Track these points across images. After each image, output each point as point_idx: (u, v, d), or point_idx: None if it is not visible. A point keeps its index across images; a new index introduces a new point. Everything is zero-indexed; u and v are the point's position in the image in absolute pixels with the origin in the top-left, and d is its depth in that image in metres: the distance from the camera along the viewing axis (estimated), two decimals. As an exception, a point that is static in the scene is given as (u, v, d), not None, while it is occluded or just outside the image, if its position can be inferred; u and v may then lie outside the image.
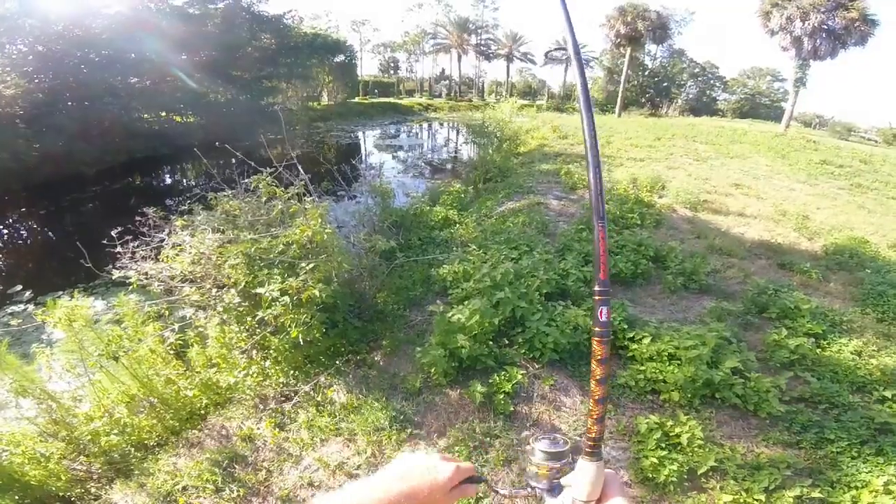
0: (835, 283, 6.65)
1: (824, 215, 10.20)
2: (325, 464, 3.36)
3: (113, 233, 3.82)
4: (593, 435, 0.83)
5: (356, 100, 43.14)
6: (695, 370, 3.75)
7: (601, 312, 0.83)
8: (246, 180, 4.35)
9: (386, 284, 5.69)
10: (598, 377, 0.85)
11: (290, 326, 3.66)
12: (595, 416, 0.84)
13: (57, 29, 15.87)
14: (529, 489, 0.84)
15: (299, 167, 4.61)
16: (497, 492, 0.86)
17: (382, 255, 5.70)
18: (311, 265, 3.67)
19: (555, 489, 0.82)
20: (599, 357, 0.84)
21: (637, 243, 6.69)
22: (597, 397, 0.85)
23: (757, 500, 2.87)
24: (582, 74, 0.92)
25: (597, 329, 0.84)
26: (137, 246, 4.00)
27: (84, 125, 15.46)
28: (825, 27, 23.77)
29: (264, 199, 4.34)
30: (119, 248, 3.91)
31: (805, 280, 6.65)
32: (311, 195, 4.52)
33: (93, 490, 3.41)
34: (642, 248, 6.57)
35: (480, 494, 2.91)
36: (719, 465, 3.16)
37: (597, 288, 0.84)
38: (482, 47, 59.52)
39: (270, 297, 3.55)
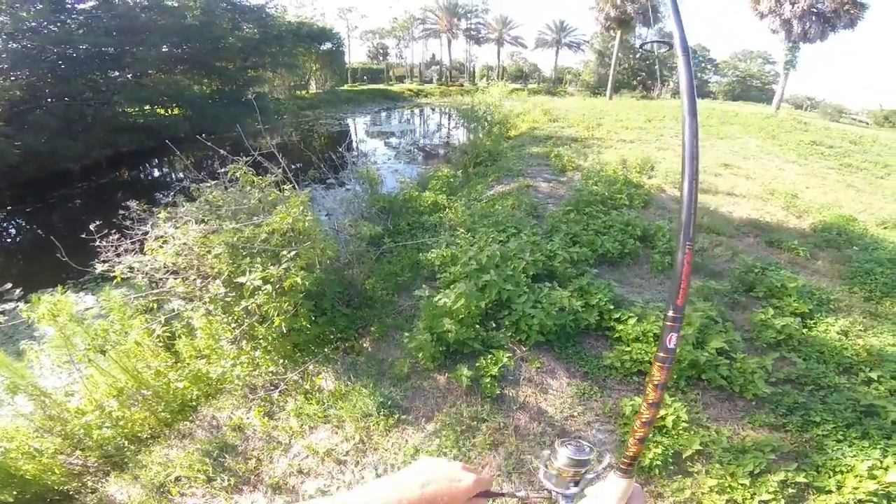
0: (822, 260, 6.69)
1: (813, 194, 10.23)
2: (313, 451, 3.38)
3: (91, 226, 3.76)
4: (631, 453, 0.84)
5: (345, 87, 42.73)
6: (680, 350, 3.76)
7: (670, 339, 0.81)
8: (223, 169, 4.30)
9: (374, 270, 5.68)
10: (650, 400, 0.84)
11: (273, 315, 3.64)
12: (638, 437, 0.85)
13: (30, 25, 15.62)
14: (546, 491, 0.84)
15: (278, 155, 4.56)
16: (515, 495, 0.85)
17: (371, 241, 5.67)
18: (292, 253, 3.64)
19: (571, 495, 0.83)
20: (657, 382, 0.83)
21: (625, 223, 6.69)
22: (645, 419, 0.85)
23: (741, 485, 2.88)
24: (689, 72, 0.85)
25: (661, 354, 0.82)
26: (119, 239, 3.95)
27: (66, 121, 15.29)
28: (814, 10, 23.77)
29: (247, 188, 4.30)
30: (99, 243, 3.86)
31: (793, 258, 6.69)
32: (290, 183, 4.47)
33: (89, 483, 3.44)
34: (630, 228, 6.57)
35: None
36: (704, 448, 3.18)
37: (670, 313, 0.82)
38: (472, 32, 58.93)
39: (252, 287, 3.53)
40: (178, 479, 3.28)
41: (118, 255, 3.99)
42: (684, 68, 0.86)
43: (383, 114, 35.18)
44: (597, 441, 3.38)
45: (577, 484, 0.83)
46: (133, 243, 4.09)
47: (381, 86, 47.92)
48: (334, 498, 0.67)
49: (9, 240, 11.77)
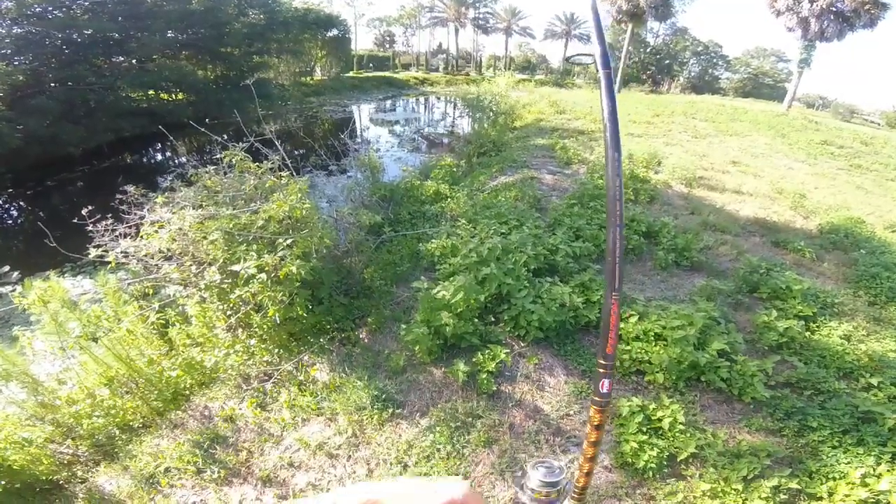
0: (828, 262, 6.59)
1: (821, 194, 10.09)
2: (305, 444, 3.34)
3: (84, 211, 3.70)
4: (581, 484, 0.94)
5: (350, 74, 42.40)
6: (681, 351, 3.69)
7: (602, 384, 0.89)
8: (219, 155, 4.22)
9: (373, 260, 5.61)
10: (591, 440, 0.94)
11: (267, 304, 3.58)
12: (584, 471, 0.94)
13: (35, 10, 15.55)
14: None
15: (276, 142, 4.48)
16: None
17: (371, 229, 5.60)
18: (289, 241, 3.57)
19: None
20: (596, 423, 0.92)
21: (629, 219, 6.61)
22: (588, 456, 0.94)
23: (734, 490, 2.84)
24: (611, 95, 0.82)
25: (596, 398, 0.91)
26: (112, 224, 3.88)
27: (69, 106, 15.18)
28: (833, 9, 23.36)
29: (244, 174, 4.23)
30: (91, 227, 3.79)
31: (798, 259, 6.59)
32: (288, 170, 4.40)
33: (79, 473, 3.40)
34: (634, 224, 6.49)
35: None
36: (700, 451, 3.13)
37: (601, 361, 0.88)
38: (480, 21, 58.37)
39: (246, 275, 3.47)
40: (167, 470, 3.24)
41: (114, 239, 3.93)
42: (605, 89, 0.80)
43: (388, 101, 34.95)
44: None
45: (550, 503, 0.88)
46: (129, 228, 4.03)
47: (386, 73, 47.52)
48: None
49: (10, 222, 11.77)
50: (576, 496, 0.92)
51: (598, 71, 0.86)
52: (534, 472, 0.86)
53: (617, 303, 0.82)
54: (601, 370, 0.88)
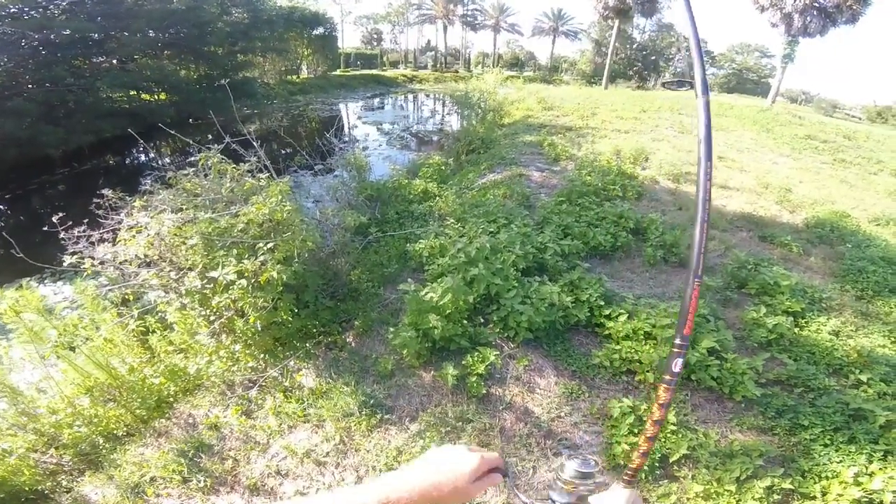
0: (815, 256, 6.63)
1: (807, 189, 10.17)
2: (292, 451, 3.27)
3: (55, 218, 3.57)
4: (635, 465, 0.95)
5: (338, 72, 42.15)
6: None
7: (675, 363, 0.91)
8: (194, 157, 4.11)
9: (360, 261, 5.53)
10: (655, 418, 0.94)
11: (249, 311, 3.49)
12: (641, 451, 0.94)
13: (10, 11, 15.27)
14: (551, 501, 0.89)
15: (255, 143, 4.38)
16: (517, 495, 0.90)
17: (357, 230, 5.51)
18: (269, 245, 3.48)
19: None
20: (662, 401, 0.93)
21: (618, 215, 6.58)
22: (649, 435, 0.94)
23: (727, 491, 2.81)
24: (707, 115, 0.88)
25: (667, 376, 0.92)
26: (86, 230, 3.76)
27: (47, 107, 14.88)
28: (816, 4, 23.69)
29: (222, 177, 4.12)
30: (64, 234, 3.67)
31: (785, 253, 6.62)
32: (268, 171, 4.29)
33: (64, 483, 3.31)
34: (623, 220, 6.47)
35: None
36: (692, 452, 3.10)
37: (678, 341, 0.92)
38: (469, 18, 58.29)
39: (225, 281, 3.37)
40: (153, 479, 3.16)
41: (92, 245, 3.80)
42: (703, 113, 0.87)
43: (376, 99, 34.72)
44: (583, 443, 3.29)
45: (579, 497, 0.87)
46: (107, 233, 3.91)
47: (374, 71, 47.29)
48: (333, 495, 0.68)
49: (-11, 225, 11.48)
50: (628, 478, 0.93)
51: (697, 97, 0.91)
52: (570, 462, 0.86)
53: (698, 288, 0.88)
54: (676, 350, 0.90)
